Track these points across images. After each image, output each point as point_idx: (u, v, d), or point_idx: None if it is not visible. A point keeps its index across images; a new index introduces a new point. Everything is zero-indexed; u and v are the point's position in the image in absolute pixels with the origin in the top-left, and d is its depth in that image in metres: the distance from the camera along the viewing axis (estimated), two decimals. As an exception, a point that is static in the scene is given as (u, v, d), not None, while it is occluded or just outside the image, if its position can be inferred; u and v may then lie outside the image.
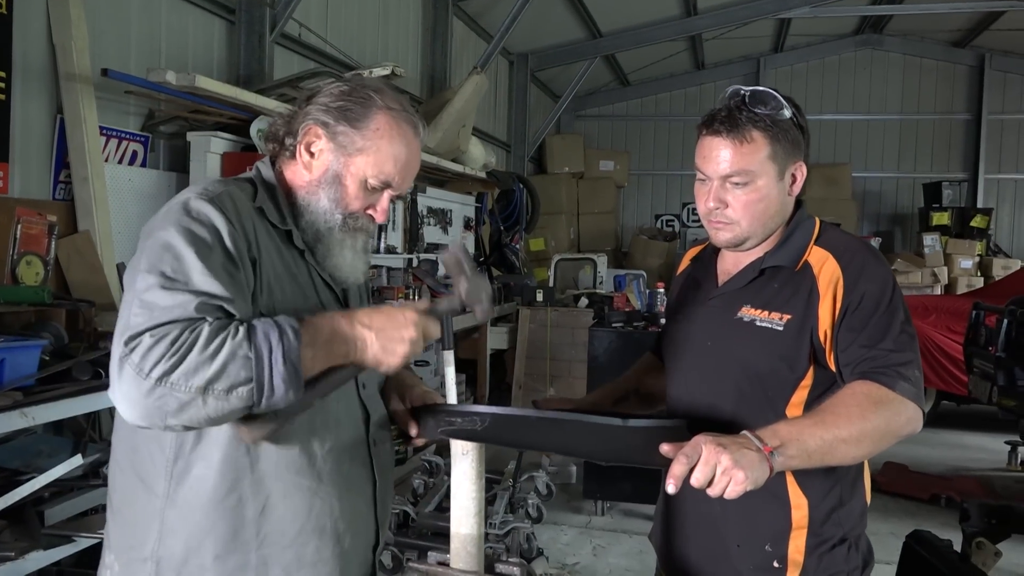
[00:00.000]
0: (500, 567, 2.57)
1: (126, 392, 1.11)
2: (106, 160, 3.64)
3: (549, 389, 6.79)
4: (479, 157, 7.31)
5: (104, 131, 3.62)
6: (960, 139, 11.63)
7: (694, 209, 1.57)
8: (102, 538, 1.40)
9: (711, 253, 1.69)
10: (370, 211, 1.41)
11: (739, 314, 1.53)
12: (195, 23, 4.38)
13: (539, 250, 9.98)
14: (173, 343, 1.11)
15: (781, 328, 1.48)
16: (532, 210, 8.97)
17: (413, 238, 6.17)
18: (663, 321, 2.37)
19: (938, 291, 9.64)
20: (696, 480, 1.21)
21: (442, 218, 6.97)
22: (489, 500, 3.99)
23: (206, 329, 1.13)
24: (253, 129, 4.08)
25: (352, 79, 1.44)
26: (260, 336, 1.15)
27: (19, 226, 3.14)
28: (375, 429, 1.46)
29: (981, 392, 5.33)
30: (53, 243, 3.28)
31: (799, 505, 1.49)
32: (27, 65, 3.32)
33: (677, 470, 1.21)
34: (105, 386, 1.41)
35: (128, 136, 3.85)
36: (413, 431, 1.50)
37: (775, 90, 1.50)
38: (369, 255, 1.47)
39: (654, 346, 1.91)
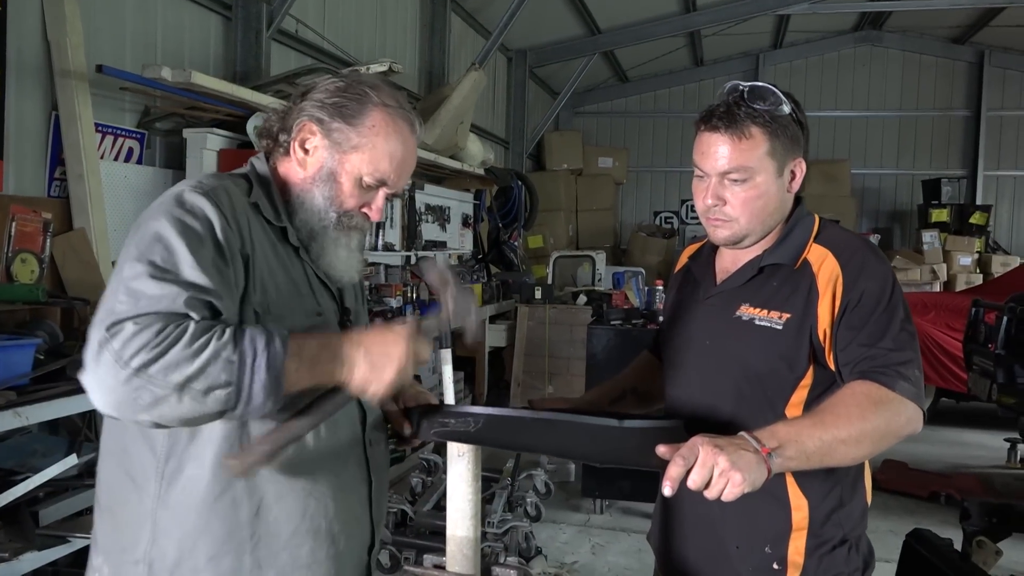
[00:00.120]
0: (497, 570, 2.55)
1: (102, 378, 1.07)
2: (101, 157, 3.62)
3: (548, 386, 6.79)
4: (477, 154, 7.29)
5: (99, 128, 3.60)
6: (959, 136, 11.61)
7: (693, 206, 1.55)
8: (92, 540, 1.39)
9: (709, 251, 1.68)
10: (365, 209, 1.40)
11: (738, 313, 1.52)
12: (191, 19, 4.36)
13: (537, 247, 9.96)
14: (157, 334, 1.08)
15: (781, 327, 1.46)
16: (530, 207, 8.96)
17: (411, 235, 6.15)
18: (661, 319, 2.35)
19: (937, 288, 9.62)
20: (693, 482, 1.19)
21: (440, 215, 6.95)
22: (487, 499, 3.97)
23: (192, 326, 1.10)
24: (250, 126, 4.06)
25: (348, 75, 1.42)
26: (247, 341, 1.12)
27: (14, 223, 3.12)
28: (371, 429, 1.45)
29: (980, 389, 5.32)
30: (48, 241, 3.27)
31: (799, 506, 1.48)
32: (21, 62, 3.30)
33: (674, 472, 1.20)
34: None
35: (124, 133, 3.83)
36: (407, 432, 1.49)
37: (774, 86, 1.48)
38: (363, 253, 1.46)
39: (651, 344, 1.89)
